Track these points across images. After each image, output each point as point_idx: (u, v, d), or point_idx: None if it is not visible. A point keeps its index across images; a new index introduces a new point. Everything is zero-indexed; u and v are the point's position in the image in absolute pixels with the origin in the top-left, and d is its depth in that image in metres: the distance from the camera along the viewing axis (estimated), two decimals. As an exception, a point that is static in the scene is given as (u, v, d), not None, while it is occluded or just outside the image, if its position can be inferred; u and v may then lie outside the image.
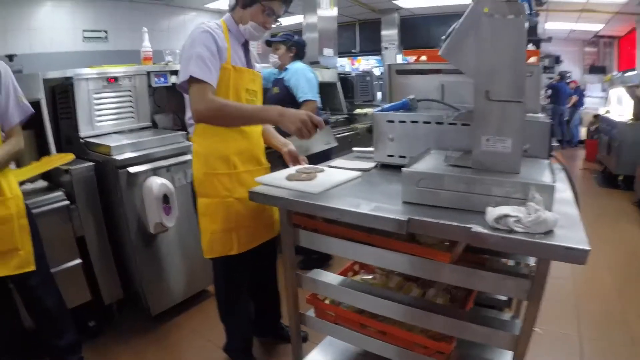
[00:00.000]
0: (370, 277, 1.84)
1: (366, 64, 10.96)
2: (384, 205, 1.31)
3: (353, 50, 10.99)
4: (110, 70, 2.79)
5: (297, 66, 3.17)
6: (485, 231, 1.08)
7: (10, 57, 4.39)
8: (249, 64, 1.93)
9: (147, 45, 3.18)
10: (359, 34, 11.00)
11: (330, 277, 1.71)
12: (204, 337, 2.52)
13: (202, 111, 1.63)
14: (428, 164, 1.45)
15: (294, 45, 3.22)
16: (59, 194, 2.28)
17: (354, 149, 2.19)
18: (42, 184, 2.36)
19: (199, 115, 1.65)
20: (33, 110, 1.96)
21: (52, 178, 2.44)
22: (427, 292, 1.67)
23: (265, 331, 2.41)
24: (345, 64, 10.41)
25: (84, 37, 6.30)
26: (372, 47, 10.39)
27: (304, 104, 3.02)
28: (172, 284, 2.69)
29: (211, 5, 7.79)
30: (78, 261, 2.35)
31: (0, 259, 1.78)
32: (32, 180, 2.29)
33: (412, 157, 1.49)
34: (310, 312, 1.79)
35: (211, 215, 1.85)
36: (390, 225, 1.22)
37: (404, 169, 1.32)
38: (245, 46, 1.93)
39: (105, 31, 6.48)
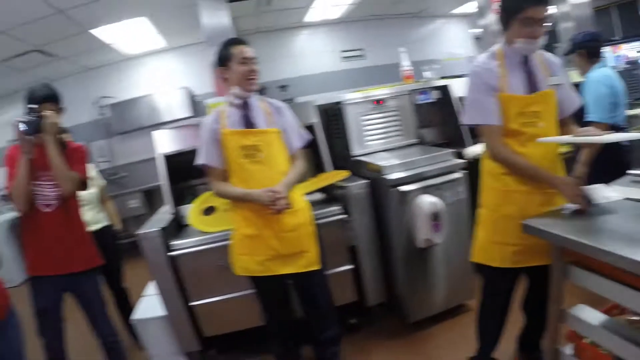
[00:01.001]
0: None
1: (630, 51, 9.07)
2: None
3: (613, 38, 9.35)
4: (376, 93, 3.07)
5: (592, 77, 2.77)
6: None
7: (283, 87, 5.17)
8: (532, 84, 1.85)
9: (406, 64, 3.38)
10: (618, 17, 9.31)
11: (594, 316, 1.60)
12: (459, 349, 2.53)
13: (493, 158, 1.87)
14: None
15: (580, 47, 2.85)
16: (337, 207, 2.62)
17: (630, 171, 1.95)
18: (319, 196, 2.75)
19: (492, 158, 1.87)
20: (310, 137, 2.31)
21: (328, 191, 2.82)
22: None
23: (527, 348, 2.31)
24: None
25: (342, 57, 6.96)
26: (635, 31, 8.66)
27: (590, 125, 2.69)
28: (432, 294, 2.80)
29: (457, 11, 7.76)
30: (349, 267, 2.68)
31: (291, 259, 2.14)
32: (310, 193, 2.66)
33: None
34: (568, 349, 1.72)
35: (482, 223, 2.00)
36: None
37: None
38: (526, 64, 1.86)
39: (361, 49, 7.04)
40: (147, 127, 5.98)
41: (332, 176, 2.74)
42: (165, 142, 2.75)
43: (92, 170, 3.01)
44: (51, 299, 2.23)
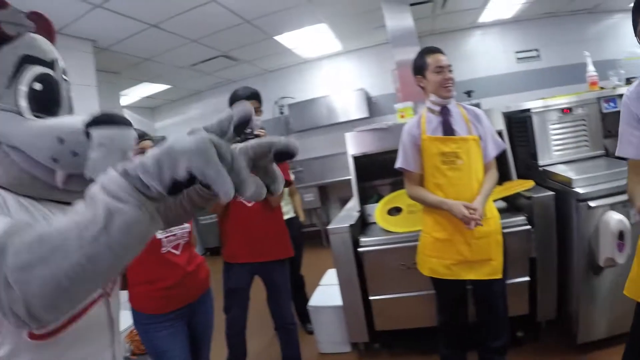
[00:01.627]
0: None
1: None
2: None
3: None
4: (562, 101, 2.90)
5: None
6: None
7: (468, 93, 5.08)
8: None
9: (591, 70, 3.12)
10: None
11: None
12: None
13: None
14: None
15: None
16: (521, 218, 2.57)
17: None
18: (500, 204, 2.71)
19: None
20: (505, 145, 2.29)
21: (510, 200, 2.77)
22: None
23: None
24: None
25: (517, 58, 6.57)
26: None
27: None
28: (604, 317, 2.58)
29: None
30: (526, 279, 2.60)
31: (477, 265, 2.16)
32: (494, 200, 2.64)
33: None
34: None
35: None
36: None
37: None
38: None
39: (536, 49, 6.58)
40: (323, 126, 6.47)
41: (518, 185, 2.68)
42: (352, 144, 2.96)
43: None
44: (243, 281, 2.52)
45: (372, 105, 6.31)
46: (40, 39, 0.86)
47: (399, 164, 2.30)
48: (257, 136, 2.28)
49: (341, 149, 6.19)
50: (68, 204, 0.82)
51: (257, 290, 2.64)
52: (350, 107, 6.29)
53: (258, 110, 2.45)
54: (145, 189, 0.57)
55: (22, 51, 0.81)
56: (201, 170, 0.55)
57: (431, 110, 2.23)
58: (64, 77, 0.90)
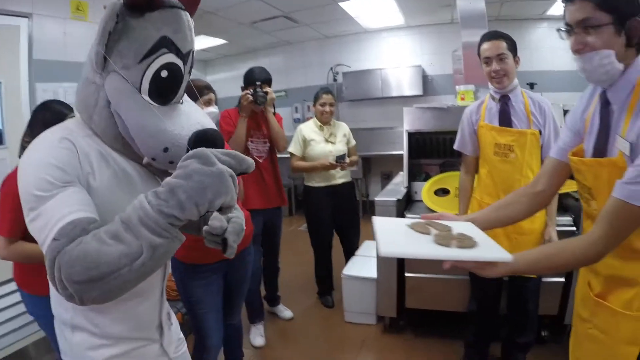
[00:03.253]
0: None
1: None
2: None
3: None
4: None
5: None
6: None
7: (531, 85, 4.87)
8: None
9: None
10: None
11: None
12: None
13: None
14: None
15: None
16: (568, 218, 2.51)
17: None
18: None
19: None
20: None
21: (559, 200, 2.66)
22: None
23: None
24: None
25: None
26: None
27: None
28: None
29: None
30: (562, 279, 2.54)
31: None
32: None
33: None
34: None
35: None
36: None
37: None
38: None
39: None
40: (375, 98, 6.38)
41: (568, 185, 2.59)
42: (409, 119, 2.91)
43: (348, 130, 3.46)
44: (258, 227, 2.76)
45: (427, 84, 6.15)
46: (186, 26, 0.89)
47: (456, 145, 2.30)
48: (265, 93, 2.63)
49: (390, 124, 6.26)
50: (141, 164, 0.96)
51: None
52: (404, 83, 6.16)
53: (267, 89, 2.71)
54: (178, 222, 0.75)
55: (165, 32, 0.85)
56: (229, 205, 0.78)
57: (492, 97, 2.17)
58: (189, 71, 0.95)
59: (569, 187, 2.55)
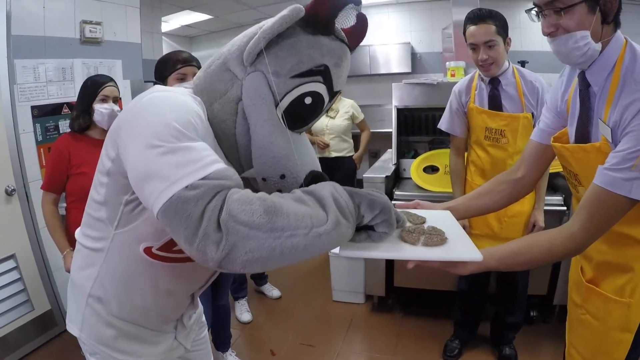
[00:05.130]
0: None
1: None
2: None
3: None
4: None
5: None
6: None
7: (522, 64, 4.87)
8: None
9: None
10: None
11: None
12: None
13: None
14: None
15: None
16: (558, 198, 2.49)
17: None
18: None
19: None
20: None
21: (549, 179, 2.65)
22: None
23: None
24: None
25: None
26: None
27: None
28: None
29: None
30: (552, 260, 2.55)
31: (503, 241, 2.12)
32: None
33: None
34: None
35: None
36: None
37: None
38: None
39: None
40: (363, 75, 6.27)
41: (557, 164, 2.58)
42: (397, 95, 2.85)
43: (351, 106, 3.56)
44: None
45: (416, 62, 6.06)
46: (346, 65, 0.86)
47: (443, 125, 2.21)
48: None
49: (378, 101, 6.18)
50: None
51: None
52: (393, 60, 6.07)
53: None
54: (358, 215, 0.73)
55: (328, 62, 0.80)
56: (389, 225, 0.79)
57: (482, 78, 2.05)
58: (327, 109, 0.90)
59: (559, 166, 2.56)
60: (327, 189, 0.71)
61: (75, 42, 2.83)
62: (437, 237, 0.95)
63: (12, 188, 2.46)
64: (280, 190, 0.79)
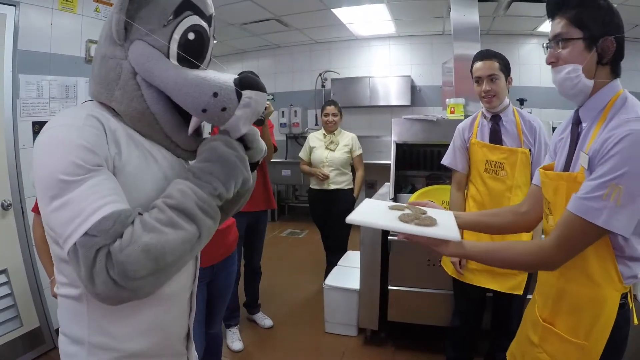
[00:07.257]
0: None
1: None
2: None
3: None
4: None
5: None
6: None
7: (521, 102, 4.97)
8: None
9: None
10: None
11: None
12: None
13: None
14: None
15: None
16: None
17: None
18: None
19: None
20: None
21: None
22: None
23: None
24: None
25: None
26: None
27: None
28: None
29: None
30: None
31: (500, 277, 2.12)
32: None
33: None
34: None
35: None
36: None
37: None
38: None
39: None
40: (362, 106, 6.36)
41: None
42: (397, 130, 2.90)
43: (351, 139, 3.62)
44: (241, 229, 2.79)
45: (416, 94, 6.17)
46: None
47: (446, 161, 2.30)
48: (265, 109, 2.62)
49: (376, 132, 6.25)
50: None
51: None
52: (392, 93, 6.16)
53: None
54: (220, 203, 0.81)
55: None
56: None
57: (484, 116, 2.20)
58: (214, 37, 0.93)
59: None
60: (191, 199, 0.75)
61: (80, 61, 2.86)
62: (428, 220, 1.12)
63: (9, 203, 2.44)
64: (224, 109, 0.81)
